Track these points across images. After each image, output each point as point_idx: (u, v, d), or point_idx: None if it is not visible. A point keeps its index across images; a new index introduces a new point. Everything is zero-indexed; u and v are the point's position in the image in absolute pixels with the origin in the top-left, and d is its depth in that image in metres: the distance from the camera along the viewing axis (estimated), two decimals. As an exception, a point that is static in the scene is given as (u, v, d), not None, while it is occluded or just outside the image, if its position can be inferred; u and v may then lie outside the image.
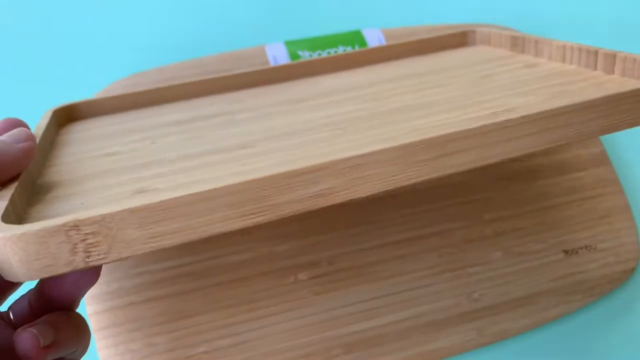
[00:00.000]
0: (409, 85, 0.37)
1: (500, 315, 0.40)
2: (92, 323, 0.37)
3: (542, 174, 0.45)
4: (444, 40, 0.48)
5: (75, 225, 0.22)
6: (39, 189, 0.28)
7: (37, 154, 0.31)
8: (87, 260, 0.22)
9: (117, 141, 0.33)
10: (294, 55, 0.48)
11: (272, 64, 0.47)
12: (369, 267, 0.40)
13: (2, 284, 0.26)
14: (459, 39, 0.49)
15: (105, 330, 0.37)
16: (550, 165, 0.46)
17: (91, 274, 0.26)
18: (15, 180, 0.26)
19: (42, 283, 0.26)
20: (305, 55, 0.48)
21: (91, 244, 0.22)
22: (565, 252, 0.44)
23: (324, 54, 0.48)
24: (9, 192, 0.24)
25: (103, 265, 0.26)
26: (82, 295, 0.27)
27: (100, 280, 0.37)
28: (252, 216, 0.24)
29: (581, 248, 0.43)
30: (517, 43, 0.43)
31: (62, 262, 0.22)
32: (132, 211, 0.22)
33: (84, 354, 0.26)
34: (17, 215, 0.24)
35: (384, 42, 0.50)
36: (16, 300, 0.27)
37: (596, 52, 0.36)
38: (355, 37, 0.50)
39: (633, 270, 0.44)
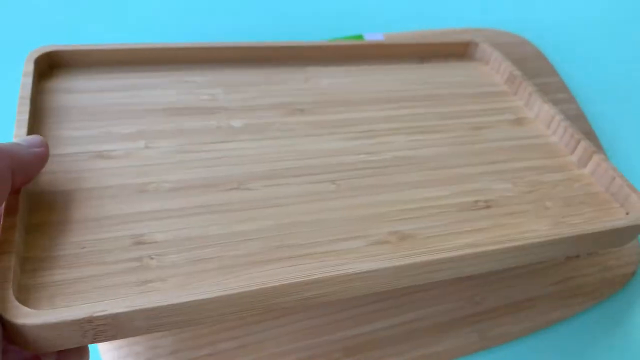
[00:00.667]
0: (401, 124, 0.41)
1: (502, 319, 0.40)
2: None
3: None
4: (446, 48, 0.49)
5: (89, 321, 0.23)
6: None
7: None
8: (94, 340, 0.24)
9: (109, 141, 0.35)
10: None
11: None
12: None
13: None
14: (461, 49, 0.49)
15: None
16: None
17: None
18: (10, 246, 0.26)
19: None
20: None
21: (101, 331, 0.24)
22: (566, 256, 0.44)
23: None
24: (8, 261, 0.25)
25: None
26: None
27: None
28: (247, 312, 0.27)
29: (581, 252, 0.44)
30: (514, 82, 0.45)
31: (72, 342, 0.24)
32: (142, 311, 0.24)
33: None
34: (26, 288, 0.25)
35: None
36: None
37: (578, 141, 0.40)
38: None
39: (633, 274, 0.45)
